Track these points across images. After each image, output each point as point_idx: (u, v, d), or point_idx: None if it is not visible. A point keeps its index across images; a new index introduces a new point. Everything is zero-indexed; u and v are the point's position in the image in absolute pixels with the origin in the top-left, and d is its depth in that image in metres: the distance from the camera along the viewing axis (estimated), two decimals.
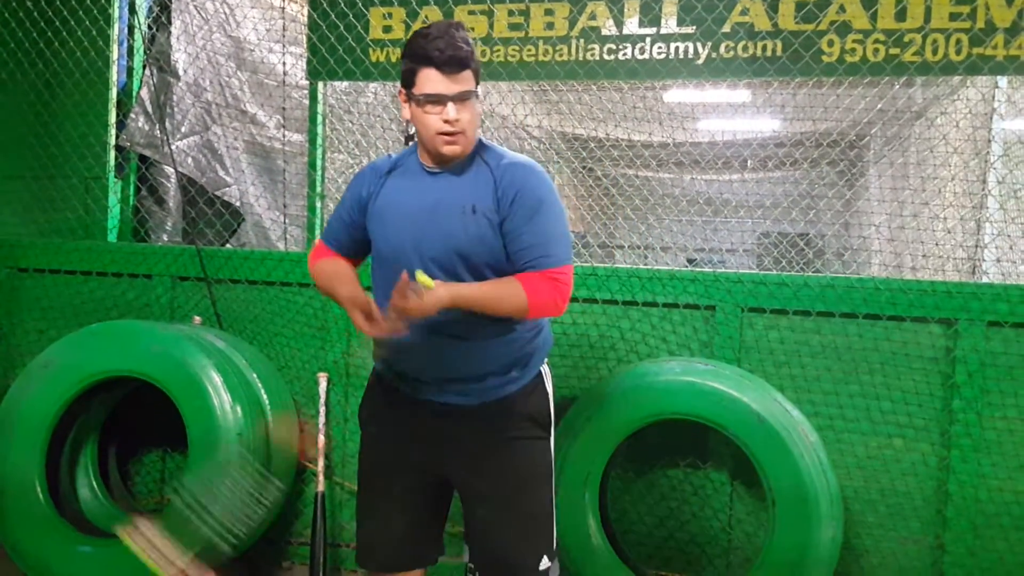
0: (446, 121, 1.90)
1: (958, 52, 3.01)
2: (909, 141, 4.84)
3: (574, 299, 3.17)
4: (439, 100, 1.89)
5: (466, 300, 1.88)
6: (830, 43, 3.09)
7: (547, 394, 2.15)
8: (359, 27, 3.46)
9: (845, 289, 3.01)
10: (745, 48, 3.14)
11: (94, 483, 3.36)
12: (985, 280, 3.74)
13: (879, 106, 3.71)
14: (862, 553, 3.03)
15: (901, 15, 3.03)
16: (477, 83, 1.95)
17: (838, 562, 2.75)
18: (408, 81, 1.94)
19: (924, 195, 3.73)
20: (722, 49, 3.16)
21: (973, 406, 2.91)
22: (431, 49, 1.87)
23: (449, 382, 2.04)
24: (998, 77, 3.83)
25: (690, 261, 5.66)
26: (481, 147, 2.04)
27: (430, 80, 1.89)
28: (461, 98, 1.90)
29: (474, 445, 2.06)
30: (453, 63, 1.88)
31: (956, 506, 2.93)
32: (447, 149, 1.94)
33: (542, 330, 2.15)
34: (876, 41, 3.05)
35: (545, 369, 2.17)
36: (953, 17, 3.00)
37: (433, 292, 1.82)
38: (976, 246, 3.75)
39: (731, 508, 3.13)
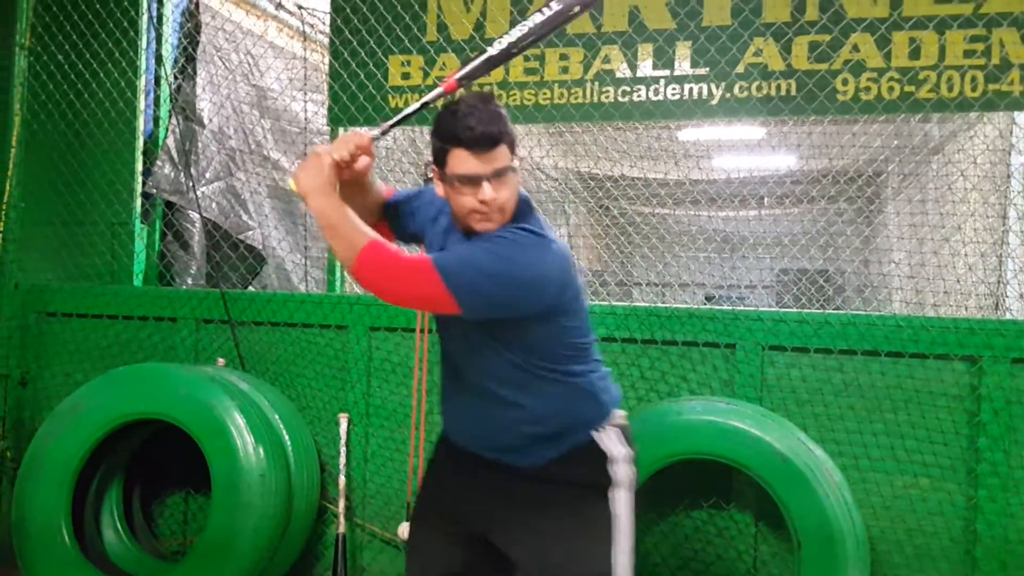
0: (481, 201, 1.79)
1: (974, 89, 3.03)
2: (927, 177, 4.84)
3: None
4: (474, 181, 1.78)
5: (324, 204, 1.81)
6: (844, 82, 3.12)
7: (600, 454, 1.94)
8: (379, 75, 3.55)
9: (866, 326, 3.00)
10: (759, 88, 3.18)
11: (118, 524, 3.38)
12: (1008, 316, 3.70)
13: (895, 143, 3.73)
14: None
15: (915, 53, 3.06)
16: (514, 154, 1.82)
17: None
18: (439, 160, 1.82)
19: (944, 231, 3.72)
20: (736, 89, 3.20)
21: (1000, 444, 2.87)
22: (460, 128, 1.75)
23: (485, 446, 1.98)
24: (1015, 113, 3.83)
25: (708, 298, 5.65)
26: (517, 218, 1.87)
27: (462, 161, 1.77)
28: (497, 175, 1.78)
29: (518, 503, 1.95)
30: (484, 141, 1.75)
31: (985, 546, 2.87)
32: (480, 227, 1.83)
33: (586, 393, 1.97)
34: (891, 79, 3.08)
35: (605, 429, 1.97)
36: (968, 54, 3.02)
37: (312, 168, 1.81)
38: (998, 282, 3.72)
39: (756, 550, 3.09)
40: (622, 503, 1.94)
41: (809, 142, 3.91)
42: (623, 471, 1.96)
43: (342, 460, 3.34)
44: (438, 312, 1.87)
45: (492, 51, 1.97)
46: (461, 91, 1.95)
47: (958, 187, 4.04)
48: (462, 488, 2.03)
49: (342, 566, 3.20)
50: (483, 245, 1.81)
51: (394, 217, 2.10)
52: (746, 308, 3.16)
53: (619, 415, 2.01)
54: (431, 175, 1.91)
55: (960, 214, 3.88)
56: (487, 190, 1.77)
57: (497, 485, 1.97)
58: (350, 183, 1.90)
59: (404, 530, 3.24)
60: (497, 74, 3.42)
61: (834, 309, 3.46)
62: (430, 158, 1.88)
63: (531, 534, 1.92)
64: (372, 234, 1.82)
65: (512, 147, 1.82)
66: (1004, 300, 3.75)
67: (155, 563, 3.34)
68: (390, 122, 1.99)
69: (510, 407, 1.92)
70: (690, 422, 2.81)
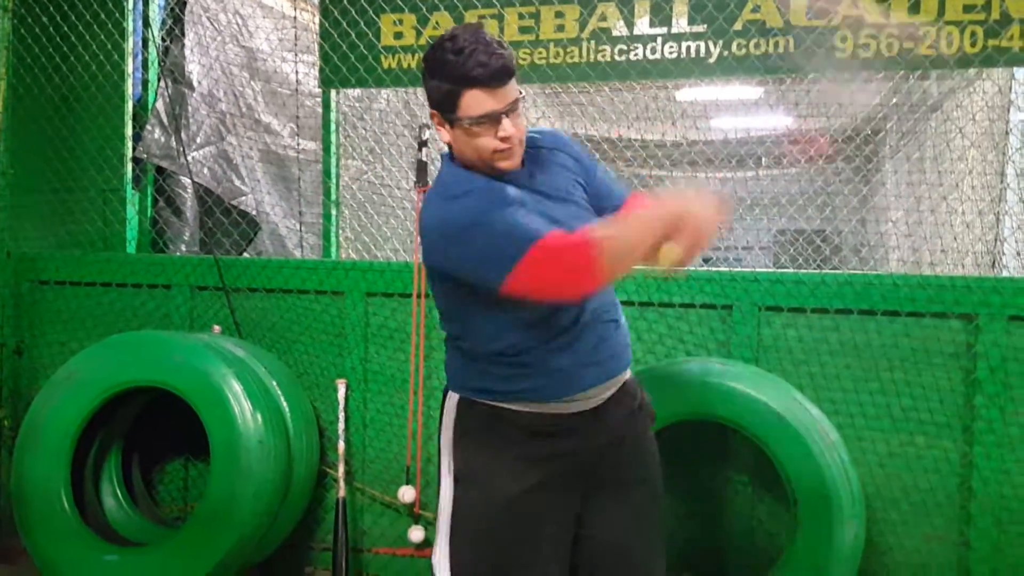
0: (503, 138, 1.71)
1: (973, 44, 2.98)
2: (925, 135, 4.81)
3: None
4: (493, 119, 1.69)
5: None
6: (843, 39, 3.07)
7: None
8: (370, 34, 3.48)
9: (863, 286, 3.00)
10: (757, 45, 3.13)
11: (118, 492, 3.40)
12: (1005, 274, 3.70)
13: (894, 100, 3.69)
14: (885, 551, 3.00)
15: (915, 8, 3.01)
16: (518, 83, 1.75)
17: (861, 560, 2.73)
18: (448, 105, 1.70)
19: (942, 189, 3.70)
20: (734, 47, 3.15)
21: (995, 401, 2.88)
22: (473, 67, 1.65)
23: (614, 364, 1.89)
24: (1015, 69, 3.79)
25: (706, 260, 5.65)
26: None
27: (478, 100, 1.67)
28: (513, 108, 1.71)
29: (627, 440, 1.93)
30: (500, 75, 1.67)
31: (980, 503, 2.90)
32: (505, 165, 1.75)
33: None
34: (890, 36, 3.03)
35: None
36: (967, 9, 2.98)
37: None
38: (996, 240, 3.72)
39: (753, 509, 3.11)
40: None
41: (807, 99, 3.86)
42: None
43: (341, 425, 3.34)
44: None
45: None
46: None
47: (956, 145, 4.01)
48: (586, 446, 1.88)
49: (343, 530, 3.23)
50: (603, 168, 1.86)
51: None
52: (743, 269, 3.15)
53: None
54: (425, 137, 1.85)
55: (958, 172, 3.85)
56: (507, 126, 1.70)
57: (616, 418, 1.92)
58: None
59: (404, 493, 3.27)
60: (491, 32, 3.35)
61: (831, 269, 3.45)
62: (424, 120, 1.81)
63: (642, 464, 1.99)
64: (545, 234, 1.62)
65: (516, 76, 1.74)
66: (1001, 258, 3.75)
67: (156, 529, 3.36)
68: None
69: (614, 316, 1.93)
70: (687, 383, 2.81)
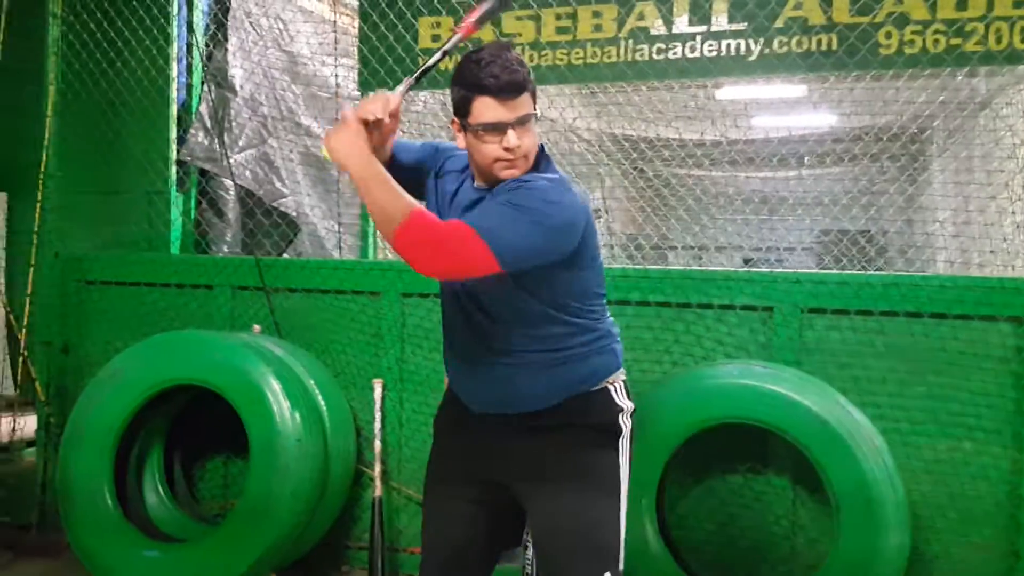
0: (506, 148, 1.82)
1: (1023, 40, 2.90)
2: (973, 133, 4.69)
3: (626, 302, 3.15)
4: (499, 128, 1.81)
5: (359, 165, 1.78)
6: (888, 35, 3.01)
7: (614, 403, 2.02)
8: (408, 37, 3.50)
9: (909, 287, 2.92)
10: (799, 43, 3.08)
11: (160, 488, 3.45)
12: None
13: (941, 98, 3.60)
14: (932, 560, 2.92)
15: (962, 4, 2.94)
16: (535, 103, 1.87)
17: (907, 569, 2.66)
18: (463, 110, 1.84)
19: (990, 189, 3.60)
20: (775, 45, 3.10)
21: None
22: (485, 76, 1.78)
23: (507, 403, 1.98)
24: None
25: (746, 261, 5.57)
26: (536, 167, 1.91)
27: (487, 108, 1.80)
28: (521, 123, 1.82)
29: (535, 452, 1.99)
30: (510, 88, 1.79)
31: None
32: (505, 174, 1.86)
33: (601, 345, 2.01)
34: (936, 32, 2.97)
35: (615, 382, 2.03)
36: (1017, 4, 2.90)
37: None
38: None
39: (793, 514, 3.06)
40: (625, 454, 2.02)
41: (851, 97, 3.79)
42: (629, 423, 2.03)
43: (377, 425, 3.36)
44: (478, 275, 1.81)
45: None
46: (479, 38, 1.96)
47: (1006, 143, 3.90)
48: (482, 445, 2.03)
49: (379, 529, 3.24)
50: (508, 198, 1.80)
51: (401, 170, 2.00)
52: (784, 270, 3.09)
53: (622, 371, 2.07)
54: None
55: (1008, 171, 3.75)
56: (512, 137, 1.81)
57: (517, 435, 1.99)
58: (373, 149, 1.86)
59: None
60: (528, 34, 3.35)
61: (876, 270, 3.38)
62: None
63: (549, 481, 1.97)
64: (412, 203, 1.77)
65: (533, 95, 1.86)
66: None
67: (196, 526, 3.41)
68: (412, 76, 1.94)
69: (535, 354, 1.94)
70: (726, 386, 2.78)
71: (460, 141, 1.89)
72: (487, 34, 3.37)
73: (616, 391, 2.02)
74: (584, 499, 1.96)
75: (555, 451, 1.98)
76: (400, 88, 1.89)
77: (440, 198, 2.02)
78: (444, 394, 2.19)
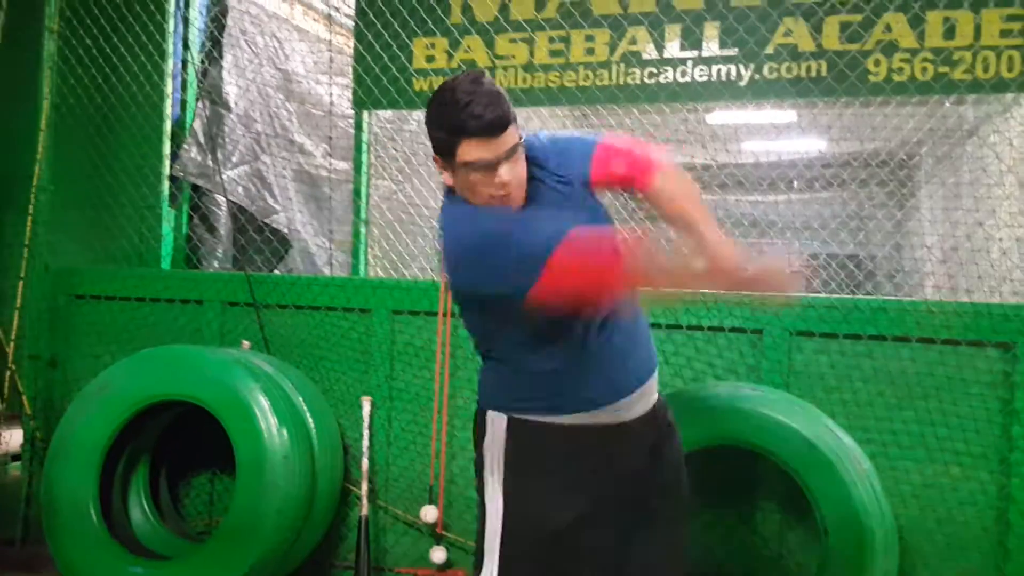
0: (500, 184, 1.74)
1: (1010, 69, 2.95)
2: (961, 160, 4.73)
3: None
4: (488, 167, 1.73)
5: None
6: (876, 62, 3.05)
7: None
8: (403, 57, 3.53)
9: (897, 312, 2.94)
10: (789, 69, 3.12)
11: (145, 505, 3.42)
12: None
13: (929, 125, 3.64)
14: None
15: (950, 33, 2.98)
16: (517, 129, 1.78)
17: None
18: (446, 152, 1.76)
19: (978, 215, 3.63)
20: (765, 70, 3.14)
21: None
22: (467, 118, 1.69)
23: (643, 367, 1.93)
24: None
25: None
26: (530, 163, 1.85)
27: (473, 149, 1.71)
28: (508, 156, 1.74)
29: (678, 457, 2.00)
30: (494, 127, 1.70)
31: (1018, 536, 2.82)
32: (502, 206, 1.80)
33: None
34: (924, 60, 3.01)
35: None
36: (1004, 34, 2.94)
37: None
38: None
39: (782, 537, 3.05)
40: None
41: (840, 123, 3.83)
42: None
43: (365, 443, 3.35)
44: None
45: None
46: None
47: (993, 170, 3.94)
48: (635, 461, 1.93)
49: (365, 548, 3.22)
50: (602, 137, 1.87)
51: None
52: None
53: None
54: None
55: (995, 197, 3.79)
56: (504, 173, 1.74)
57: (661, 434, 1.98)
58: None
59: (427, 512, 3.25)
60: (522, 56, 3.38)
61: (864, 295, 3.40)
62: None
63: (681, 497, 2.01)
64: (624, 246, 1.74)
65: (515, 122, 1.77)
66: None
67: (181, 543, 3.37)
68: None
69: (637, 323, 1.94)
70: (715, 408, 2.77)
71: (446, 178, 1.82)
72: (479, 54, 3.39)
73: None
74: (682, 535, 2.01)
75: (679, 461, 2.01)
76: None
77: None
78: (528, 438, 1.88)
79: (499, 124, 1.71)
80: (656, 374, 1.98)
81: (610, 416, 1.87)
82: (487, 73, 1.96)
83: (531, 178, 1.85)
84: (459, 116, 1.70)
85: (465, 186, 1.78)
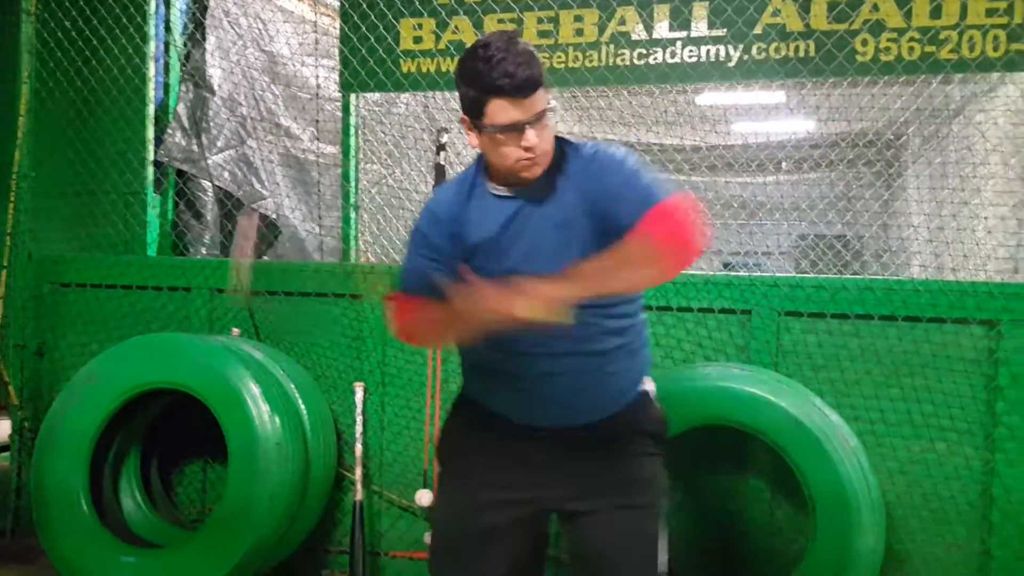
0: (526, 148, 1.71)
1: (996, 48, 2.96)
2: (947, 140, 4.77)
3: None
4: (517, 128, 1.69)
5: (587, 281, 1.60)
6: (864, 42, 3.05)
7: (656, 407, 1.97)
8: (390, 39, 3.49)
9: (884, 291, 2.97)
10: (777, 49, 3.12)
11: (137, 494, 3.41)
12: None
13: (916, 105, 3.66)
14: (905, 559, 2.97)
15: (936, 12, 2.99)
16: (547, 93, 1.75)
17: (881, 568, 2.71)
18: (474, 111, 1.72)
19: (963, 194, 3.66)
20: (754, 51, 3.13)
21: (1017, 408, 2.85)
22: (498, 76, 1.65)
23: (575, 414, 1.87)
24: None
25: (726, 266, 5.62)
26: (559, 154, 1.81)
27: (503, 110, 1.68)
28: (538, 119, 1.70)
29: (587, 464, 1.88)
30: (526, 87, 1.67)
31: (1002, 510, 2.87)
32: (527, 174, 1.76)
33: (645, 341, 1.95)
34: (911, 39, 3.01)
35: (649, 383, 1.97)
36: (990, 13, 2.95)
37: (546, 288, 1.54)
38: (1018, 245, 3.68)
39: (771, 515, 3.09)
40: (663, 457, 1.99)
41: (828, 103, 3.84)
42: (665, 425, 1.99)
43: (358, 428, 3.35)
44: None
45: None
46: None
47: (978, 149, 3.97)
48: (529, 467, 1.90)
49: (360, 533, 3.23)
50: (632, 166, 1.76)
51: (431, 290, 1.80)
52: (763, 274, 3.13)
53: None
54: (444, 141, 1.85)
55: (980, 176, 3.82)
56: (531, 136, 1.70)
57: (572, 451, 1.88)
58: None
59: (421, 497, 3.26)
60: (526, 41, 3.35)
61: (852, 274, 3.43)
62: (443, 124, 1.81)
63: (610, 495, 1.88)
64: (630, 242, 1.65)
65: (546, 87, 1.74)
66: None
67: (174, 531, 3.38)
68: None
69: (601, 361, 1.83)
70: (705, 388, 2.80)
71: (472, 139, 1.78)
72: (468, 35, 3.37)
73: (652, 393, 1.97)
74: (645, 514, 1.90)
75: (614, 463, 1.89)
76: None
77: (468, 245, 1.82)
78: (461, 412, 2.04)
79: (531, 84, 1.67)
80: (617, 407, 1.89)
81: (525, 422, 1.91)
82: (521, 34, 1.92)
83: (555, 171, 1.80)
84: (490, 74, 1.66)
85: (491, 148, 1.74)
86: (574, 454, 1.88)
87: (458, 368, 3.24)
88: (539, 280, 1.57)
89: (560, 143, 1.83)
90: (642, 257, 1.65)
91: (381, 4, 3.48)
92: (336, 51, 3.70)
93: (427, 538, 3.24)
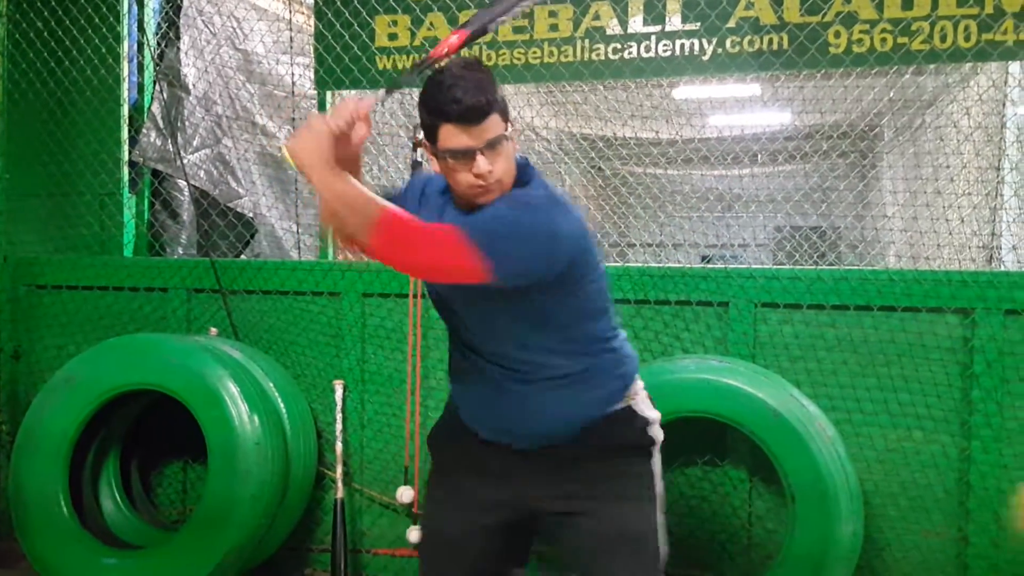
0: (477, 175, 1.70)
1: (967, 39, 2.98)
2: (921, 130, 4.81)
3: None
4: (467, 155, 1.69)
5: (322, 180, 1.61)
6: (837, 34, 3.07)
7: (639, 418, 1.93)
8: (364, 36, 3.48)
9: (859, 281, 2.99)
10: (751, 43, 3.13)
11: (117, 496, 3.39)
12: (1002, 268, 3.70)
13: (889, 96, 3.69)
14: (884, 547, 3.00)
15: (908, 4, 3.01)
16: (507, 120, 1.73)
17: (860, 557, 2.73)
18: (430, 136, 1.73)
19: (937, 184, 3.70)
20: (727, 44, 3.15)
21: (993, 396, 2.88)
22: (446, 102, 1.66)
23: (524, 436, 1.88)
24: (1009, 63, 3.79)
25: (704, 259, 5.65)
26: (520, 183, 1.79)
27: (453, 136, 1.68)
28: (490, 147, 1.69)
29: (563, 479, 1.88)
30: (472, 114, 1.66)
31: (978, 497, 2.90)
32: (482, 200, 1.75)
33: (622, 361, 1.93)
34: (883, 31, 3.04)
35: (636, 395, 1.94)
36: (961, 3, 2.98)
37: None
38: (992, 234, 3.72)
39: (751, 505, 3.11)
40: (658, 463, 1.98)
41: (802, 96, 3.86)
42: (658, 433, 1.97)
43: (338, 426, 3.34)
44: (465, 281, 1.70)
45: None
46: (450, 57, 1.82)
47: (951, 139, 4.01)
48: (502, 471, 1.91)
49: (341, 531, 3.22)
50: (501, 207, 1.72)
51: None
52: (739, 266, 3.15)
53: (640, 380, 1.98)
54: (420, 138, 1.84)
55: (954, 166, 3.85)
56: (482, 163, 1.69)
57: (537, 466, 1.89)
58: (341, 158, 1.67)
59: (402, 494, 3.27)
60: (485, 66, 3.35)
61: (828, 265, 3.45)
62: (419, 122, 1.81)
63: (591, 498, 1.88)
64: (383, 202, 1.65)
65: (504, 114, 1.73)
66: (997, 252, 3.75)
67: (155, 532, 3.36)
68: (388, 88, 1.86)
69: (544, 382, 1.84)
70: (684, 381, 2.82)
71: (434, 165, 1.78)
72: (443, 31, 3.36)
73: (640, 404, 1.94)
74: (634, 507, 1.91)
75: (585, 475, 1.88)
76: (370, 99, 1.74)
77: (430, 216, 1.86)
78: (450, 408, 2.05)
79: (478, 111, 1.67)
80: (576, 428, 1.87)
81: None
82: (482, 61, 1.92)
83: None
84: (439, 99, 1.67)
85: (447, 172, 1.75)
86: (550, 462, 1.89)
87: (439, 364, 3.30)
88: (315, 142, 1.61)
89: (522, 172, 1.80)
90: (361, 211, 1.64)
91: (356, 1, 3.47)
92: (311, 48, 3.69)
93: (409, 535, 3.27)
